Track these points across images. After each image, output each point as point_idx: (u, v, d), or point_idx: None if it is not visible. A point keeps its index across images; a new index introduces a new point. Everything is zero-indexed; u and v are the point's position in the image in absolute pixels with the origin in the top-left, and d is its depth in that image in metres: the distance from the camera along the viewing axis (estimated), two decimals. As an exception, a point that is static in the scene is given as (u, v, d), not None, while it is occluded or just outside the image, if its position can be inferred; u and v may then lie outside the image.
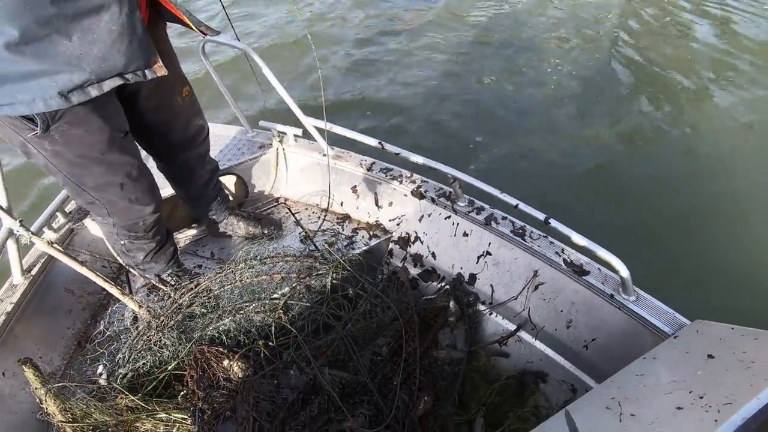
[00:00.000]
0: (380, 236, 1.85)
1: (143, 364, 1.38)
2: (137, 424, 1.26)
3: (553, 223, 1.37)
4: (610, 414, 0.93)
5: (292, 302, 1.56)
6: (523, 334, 1.55)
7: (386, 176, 1.83)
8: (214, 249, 1.88)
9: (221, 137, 2.09)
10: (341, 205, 1.98)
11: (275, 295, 1.57)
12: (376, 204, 1.89)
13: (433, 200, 1.72)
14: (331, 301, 1.58)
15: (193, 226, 1.95)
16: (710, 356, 1.00)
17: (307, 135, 1.87)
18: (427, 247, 1.78)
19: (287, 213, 2.02)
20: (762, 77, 3.84)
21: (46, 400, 1.23)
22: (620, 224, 2.67)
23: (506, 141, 3.37)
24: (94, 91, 1.04)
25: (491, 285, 1.63)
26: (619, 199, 2.86)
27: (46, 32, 0.93)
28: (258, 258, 1.64)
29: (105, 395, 1.31)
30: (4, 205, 1.34)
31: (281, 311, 1.54)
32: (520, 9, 5.15)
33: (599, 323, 1.39)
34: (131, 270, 1.71)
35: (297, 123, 1.83)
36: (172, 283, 1.62)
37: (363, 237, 1.86)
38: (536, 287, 1.52)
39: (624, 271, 1.26)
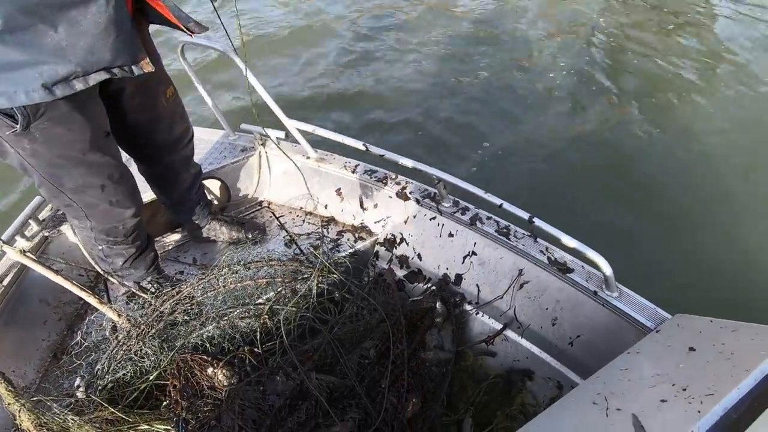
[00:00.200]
0: (366, 238, 1.84)
1: (123, 374, 1.34)
2: (118, 437, 1.22)
3: (537, 222, 1.39)
4: (597, 409, 0.94)
5: (278, 307, 1.53)
6: (510, 333, 1.56)
7: (371, 178, 1.82)
8: (197, 255, 1.84)
9: (202, 141, 2.05)
10: (326, 207, 1.96)
11: (260, 300, 1.54)
12: (361, 206, 1.88)
13: (418, 201, 1.72)
14: (317, 305, 1.56)
15: (174, 231, 1.91)
16: (691, 349, 1.02)
17: (290, 137, 1.85)
18: (413, 248, 1.78)
19: (271, 217, 2.00)
20: (746, 76, 3.97)
21: (20, 416, 1.18)
22: (603, 222, 2.73)
23: (491, 140, 3.40)
24: (79, 85, 1.01)
25: (477, 285, 1.63)
26: (602, 197, 2.91)
27: (31, 22, 0.90)
28: (242, 263, 1.61)
29: (83, 408, 1.27)
30: None
31: (266, 316, 1.52)
32: (509, 7, 5.22)
33: (583, 320, 1.41)
34: (110, 278, 1.66)
35: (280, 125, 1.81)
36: (153, 290, 1.57)
37: (348, 239, 1.85)
38: (521, 286, 1.53)
39: (607, 268, 1.28)
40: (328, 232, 1.90)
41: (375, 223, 1.86)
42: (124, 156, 1.44)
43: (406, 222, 1.78)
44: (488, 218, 1.61)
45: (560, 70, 4.17)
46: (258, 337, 1.46)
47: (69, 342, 1.59)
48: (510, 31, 4.76)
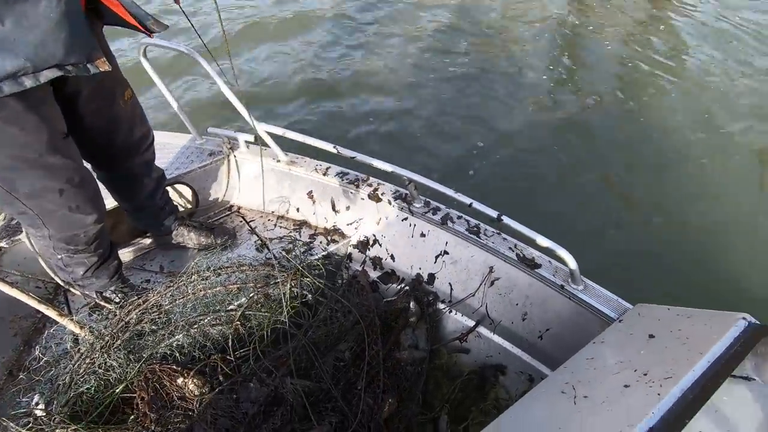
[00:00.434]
0: (338, 241, 1.84)
1: (87, 389, 1.28)
2: (82, 455, 1.17)
3: (505, 219, 1.43)
4: (566, 398, 0.98)
5: (250, 312, 1.51)
6: (482, 330, 1.59)
7: (342, 180, 1.82)
8: (164, 262, 1.79)
9: (167, 145, 2.00)
10: (298, 211, 1.95)
11: (231, 307, 1.51)
12: (333, 209, 1.88)
13: (390, 203, 1.73)
14: (290, 309, 1.55)
15: (139, 239, 1.84)
16: (651, 336, 1.07)
17: (259, 141, 1.83)
18: (386, 249, 1.79)
19: (241, 222, 1.96)
20: (715, 68, 4.22)
21: (-28, 438, 1.11)
22: (568, 216, 2.83)
23: (460, 139, 3.47)
24: (28, 81, 0.96)
25: (450, 283, 1.66)
26: (566, 192, 3.03)
27: None
28: (211, 269, 1.58)
29: (43, 427, 1.20)
30: None
31: (238, 323, 1.49)
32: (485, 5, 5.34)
33: (552, 314, 1.46)
34: (70, 289, 1.58)
35: (249, 129, 1.78)
36: (117, 300, 1.52)
37: (321, 242, 1.84)
38: (492, 283, 1.57)
39: (572, 263, 1.33)
40: (300, 236, 1.88)
41: (348, 225, 1.86)
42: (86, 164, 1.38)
43: (378, 223, 1.79)
44: (459, 217, 1.64)
45: (530, 62, 4.30)
46: (230, 344, 1.43)
47: (26, 358, 1.50)
48: (487, 25, 4.88)
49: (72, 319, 1.36)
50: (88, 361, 1.33)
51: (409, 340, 1.61)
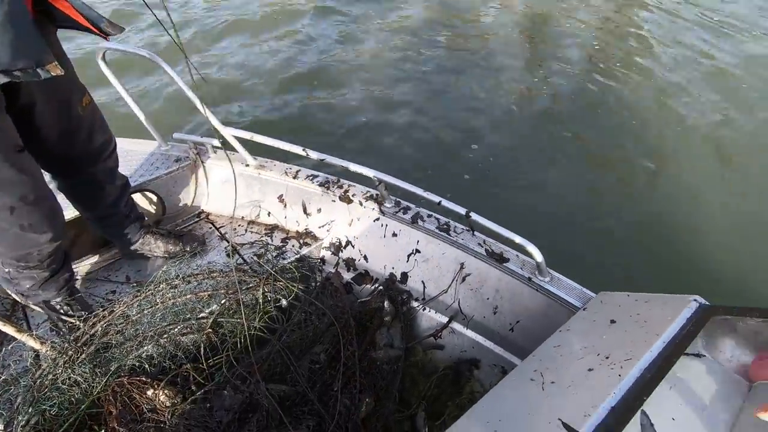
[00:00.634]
0: (311, 244, 1.84)
1: (50, 406, 1.23)
2: (46, 475, 1.12)
3: (474, 216, 1.46)
4: (534, 384, 1.01)
5: (222, 319, 1.48)
6: (456, 325, 1.62)
7: (313, 183, 1.82)
8: (130, 272, 1.73)
9: (131, 152, 1.94)
10: (269, 215, 1.93)
11: (202, 314, 1.48)
12: (305, 212, 1.87)
13: (361, 204, 1.74)
14: (264, 314, 1.53)
15: (103, 249, 1.78)
16: (613, 321, 1.12)
17: (227, 146, 1.81)
18: (359, 250, 1.79)
19: (211, 228, 1.93)
20: (681, 59, 4.46)
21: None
22: (533, 209, 2.93)
23: (430, 139, 3.53)
24: None
25: (422, 281, 1.68)
26: (530, 186, 3.13)
27: None
28: (180, 276, 1.54)
29: (2, 448, 1.15)
30: None
31: (210, 330, 1.46)
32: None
33: (521, 306, 1.50)
34: (29, 304, 1.52)
35: (215, 133, 1.76)
36: (62, 311, 1.46)
37: (293, 246, 1.83)
38: (464, 279, 1.60)
39: (538, 255, 1.37)
40: (272, 240, 1.86)
41: (320, 228, 1.86)
42: (47, 176, 1.33)
43: (350, 225, 1.80)
44: (429, 216, 1.67)
45: (500, 55, 4.44)
46: (202, 353, 1.40)
47: (-17, 378, 1.43)
48: (463, 20, 5.00)
49: (32, 335, 1.30)
50: (50, 377, 1.28)
51: (384, 339, 1.62)
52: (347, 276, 1.81)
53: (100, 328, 1.38)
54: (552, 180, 3.17)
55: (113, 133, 1.49)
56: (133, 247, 1.71)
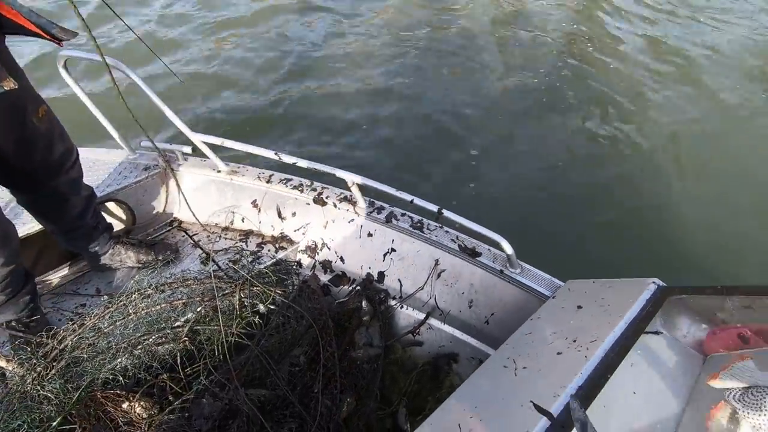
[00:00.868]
0: (287, 247, 1.84)
1: (18, 425, 1.19)
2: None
3: (446, 212, 1.50)
4: (508, 371, 1.05)
5: (199, 327, 1.47)
6: (433, 321, 1.65)
7: (287, 187, 1.82)
8: (100, 284, 1.69)
9: (97, 162, 1.90)
10: (243, 221, 1.92)
11: (178, 323, 1.46)
12: (280, 216, 1.87)
13: (335, 205, 1.76)
14: (241, 320, 1.52)
15: (70, 261, 1.73)
16: (579, 307, 1.18)
17: (198, 152, 1.79)
18: (335, 252, 1.81)
19: (184, 236, 1.90)
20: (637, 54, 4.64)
21: None
22: (504, 204, 3.02)
23: (401, 138, 3.58)
24: None
25: (399, 279, 1.71)
26: (504, 182, 3.22)
27: None
28: (154, 286, 1.52)
29: (-31, 472, 1.10)
30: None
31: (186, 339, 1.44)
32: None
33: (495, 299, 1.55)
34: None
35: (185, 140, 1.74)
36: (20, 330, 1.41)
37: (269, 250, 1.83)
38: (439, 275, 1.63)
39: (508, 248, 1.42)
40: (247, 246, 1.85)
41: (295, 231, 1.86)
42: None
43: (325, 227, 1.81)
44: (402, 215, 1.70)
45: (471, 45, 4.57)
46: (179, 362, 1.38)
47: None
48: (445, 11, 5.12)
49: (-3, 353, 1.26)
50: (18, 395, 1.24)
51: (363, 338, 1.63)
52: (324, 278, 1.82)
53: (70, 342, 1.35)
54: (523, 176, 3.27)
55: (75, 143, 1.45)
56: (102, 259, 1.67)
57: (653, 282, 1.13)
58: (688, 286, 1.06)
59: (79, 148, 1.90)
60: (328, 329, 1.59)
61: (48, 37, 1.09)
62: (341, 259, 1.80)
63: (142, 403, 1.31)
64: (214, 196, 1.93)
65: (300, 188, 1.81)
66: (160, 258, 1.71)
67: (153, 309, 1.48)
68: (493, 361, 1.14)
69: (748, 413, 0.66)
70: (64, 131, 1.39)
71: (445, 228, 1.64)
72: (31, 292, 1.44)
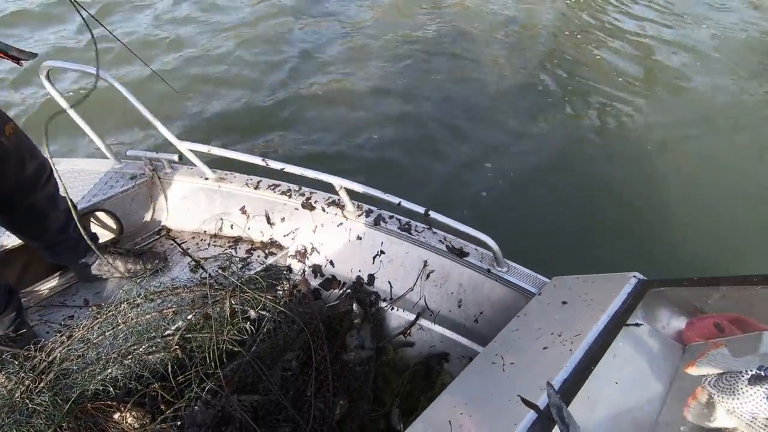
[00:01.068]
0: (276, 253, 1.84)
1: (7, 440, 1.18)
2: None
3: (432, 214, 1.52)
4: (496, 367, 1.07)
5: (189, 335, 1.47)
6: (423, 322, 1.67)
7: (275, 192, 1.83)
8: (88, 295, 1.68)
9: (83, 172, 1.88)
10: (231, 228, 1.92)
11: (168, 332, 1.46)
12: (268, 222, 1.88)
13: (323, 210, 1.77)
14: (232, 327, 1.52)
15: (57, 273, 1.72)
16: (564, 302, 1.21)
17: (185, 160, 1.79)
18: (325, 256, 1.82)
19: (172, 244, 1.89)
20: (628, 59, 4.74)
21: None
22: (491, 205, 3.06)
23: (391, 141, 3.61)
24: None
25: (389, 281, 1.72)
26: (489, 182, 3.26)
27: None
28: (143, 295, 1.51)
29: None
30: None
31: (177, 347, 1.44)
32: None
33: (483, 298, 1.57)
34: None
35: (171, 149, 1.74)
36: (7, 342, 1.40)
37: (259, 257, 1.83)
38: (428, 276, 1.65)
39: (494, 247, 1.45)
40: (236, 252, 1.86)
41: (284, 236, 1.87)
42: None
43: (314, 232, 1.82)
44: (390, 217, 1.72)
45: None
46: (170, 370, 1.38)
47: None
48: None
49: (-17, 367, 1.24)
50: (6, 409, 1.22)
51: (354, 341, 1.65)
52: (315, 282, 1.82)
53: (58, 354, 1.34)
54: (505, 177, 3.32)
55: (48, 158, 1.42)
56: (90, 270, 1.66)
57: (634, 276, 1.16)
58: (667, 279, 1.10)
59: (63, 159, 1.90)
60: (319, 333, 1.59)
61: (7, 58, 1.10)
62: (331, 263, 1.81)
63: (133, 413, 1.31)
64: (203, 203, 1.93)
65: (288, 193, 1.82)
66: (149, 267, 1.70)
67: (143, 318, 1.47)
68: (482, 358, 1.16)
69: (722, 398, 0.69)
70: (34, 147, 1.37)
71: (433, 229, 1.67)
72: (17, 309, 1.42)
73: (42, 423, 1.23)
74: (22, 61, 1.16)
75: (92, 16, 1.24)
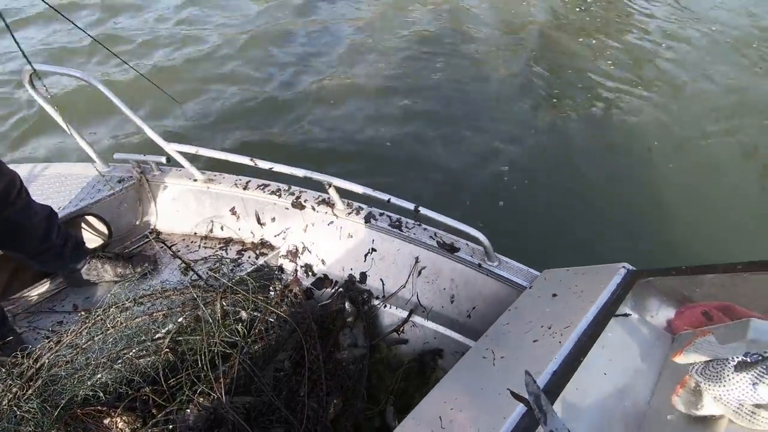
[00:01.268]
0: (268, 253, 1.83)
1: (-5, 449, 1.17)
2: None
3: (423, 210, 1.51)
4: (486, 362, 1.07)
5: (180, 338, 1.45)
6: (416, 318, 1.67)
7: (265, 192, 1.82)
8: (77, 300, 1.66)
9: (69, 177, 1.86)
10: (222, 229, 1.91)
11: (159, 335, 1.45)
12: (259, 222, 1.87)
13: (313, 209, 1.76)
14: (223, 329, 1.51)
15: (46, 279, 1.70)
16: (554, 295, 1.20)
17: (173, 162, 1.77)
18: (316, 255, 1.81)
19: (162, 247, 1.88)
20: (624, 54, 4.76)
21: None
22: (481, 198, 3.06)
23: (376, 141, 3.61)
24: None
25: (381, 279, 1.72)
26: (474, 175, 3.26)
27: None
28: (132, 299, 1.50)
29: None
30: None
31: (167, 350, 1.43)
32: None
33: (475, 292, 1.57)
34: None
35: (158, 151, 1.72)
36: None
37: (250, 257, 1.82)
38: (420, 272, 1.65)
39: (485, 241, 1.44)
40: (227, 253, 1.84)
41: (275, 236, 1.86)
42: None
43: (305, 231, 1.81)
44: (381, 214, 1.71)
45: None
46: (160, 374, 1.36)
47: None
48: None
49: (-31, 376, 1.23)
50: (-6, 417, 1.21)
51: (348, 339, 1.64)
52: (307, 282, 1.82)
53: (47, 361, 1.32)
54: (494, 172, 3.33)
55: (16, 172, 1.39)
56: (79, 275, 1.64)
57: (623, 266, 1.16)
58: (656, 268, 1.09)
59: (50, 164, 1.88)
60: (312, 332, 1.59)
61: None
62: (323, 261, 1.80)
63: (124, 417, 1.29)
64: (192, 205, 1.92)
65: (278, 193, 1.81)
66: (138, 270, 1.69)
67: (132, 322, 1.46)
68: (473, 352, 1.16)
69: (709, 385, 0.69)
70: (2, 164, 1.35)
71: (424, 225, 1.66)
72: (1, 317, 1.41)
73: (30, 430, 1.22)
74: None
75: (84, 31, 1.22)
